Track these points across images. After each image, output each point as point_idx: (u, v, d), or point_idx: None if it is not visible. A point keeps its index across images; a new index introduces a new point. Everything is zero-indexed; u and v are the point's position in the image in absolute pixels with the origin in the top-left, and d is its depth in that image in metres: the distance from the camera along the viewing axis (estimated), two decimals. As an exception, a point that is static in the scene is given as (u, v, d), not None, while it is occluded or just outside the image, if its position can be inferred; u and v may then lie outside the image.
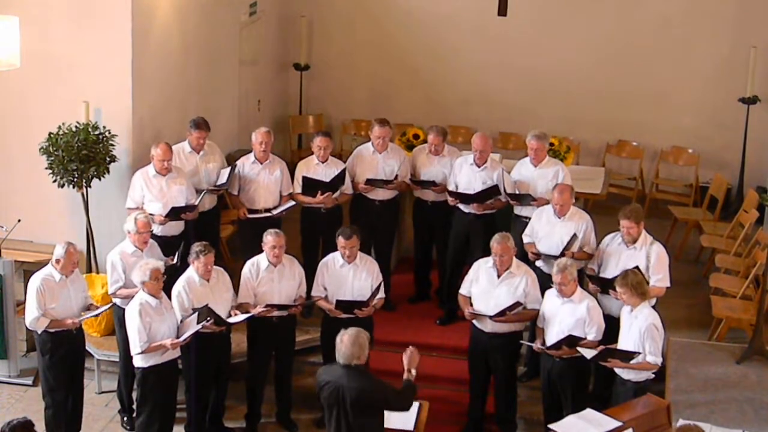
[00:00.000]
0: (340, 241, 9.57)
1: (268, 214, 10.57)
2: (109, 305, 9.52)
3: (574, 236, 9.79)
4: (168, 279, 9.19)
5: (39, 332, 9.15)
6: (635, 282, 8.76)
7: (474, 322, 9.53)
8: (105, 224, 10.72)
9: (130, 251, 9.51)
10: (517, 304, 9.27)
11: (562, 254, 9.67)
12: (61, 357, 9.22)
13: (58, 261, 9.10)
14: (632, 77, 13.95)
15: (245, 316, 9.36)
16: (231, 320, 9.31)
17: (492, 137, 11.17)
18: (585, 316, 9.00)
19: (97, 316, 9.60)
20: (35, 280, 9.14)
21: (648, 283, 9.13)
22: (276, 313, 9.51)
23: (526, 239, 10.10)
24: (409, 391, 7.96)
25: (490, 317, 9.30)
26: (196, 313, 9.02)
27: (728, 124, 13.73)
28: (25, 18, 9.52)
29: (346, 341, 7.79)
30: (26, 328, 10.73)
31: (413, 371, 8.05)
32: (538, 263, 9.99)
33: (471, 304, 9.48)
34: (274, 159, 10.79)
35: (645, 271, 9.33)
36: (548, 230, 9.94)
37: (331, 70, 14.85)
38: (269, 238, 9.48)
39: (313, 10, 14.68)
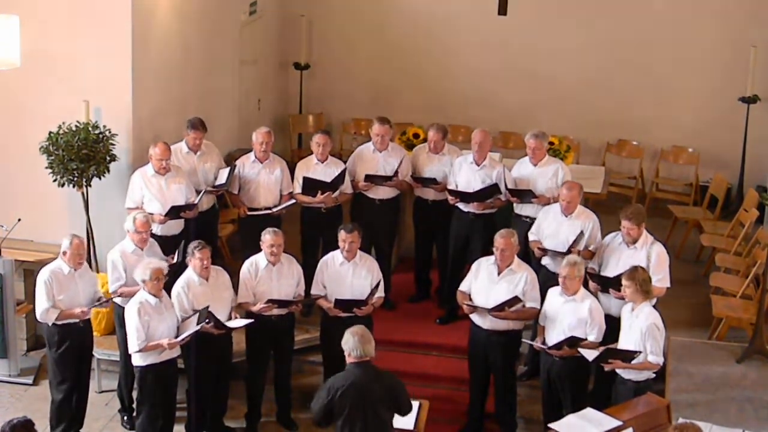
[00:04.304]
0: (341, 234, 9.58)
1: (268, 212, 10.59)
2: (113, 298, 9.53)
3: (581, 234, 9.79)
4: (169, 278, 9.20)
5: (49, 324, 9.18)
6: (642, 279, 8.75)
7: (473, 318, 9.53)
8: (105, 223, 10.72)
9: (130, 250, 9.52)
10: (516, 299, 9.27)
11: (569, 252, 9.69)
12: (68, 350, 9.27)
13: (64, 253, 9.18)
14: (632, 76, 13.96)
15: (245, 321, 9.37)
16: (230, 324, 9.31)
17: (492, 137, 11.17)
18: (587, 317, 8.99)
19: (105, 306, 9.62)
20: (44, 273, 9.20)
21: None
22: (276, 311, 9.51)
23: (531, 237, 10.08)
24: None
25: (488, 311, 9.30)
26: (197, 314, 9.03)
27: (728, 124, 13.73)
28: (25, 17, 9.52)
29: (356, 339, 7.77)
30: (26, 327, 10.81)
31: None
32: (545, 260, 9.98)
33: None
34: (275, 158, 10.80)
35: (645, 270, 9.34)
36: (555, 228, 9.94)
37: (331, 70, 14.85)
38: (267, 237, 9.48)
39: (312, 10, 14.68)
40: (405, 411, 7.98)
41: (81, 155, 10.25)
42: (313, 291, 9.72)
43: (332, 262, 9.70)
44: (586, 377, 9.25)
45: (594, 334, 9.01)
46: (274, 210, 10.61)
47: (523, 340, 9.54)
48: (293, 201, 10.70)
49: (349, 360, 7.82)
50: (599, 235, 9.91)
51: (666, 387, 9.48)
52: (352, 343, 7.79)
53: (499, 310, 9.28)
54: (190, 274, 9.28)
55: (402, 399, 7.90)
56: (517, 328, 9.51)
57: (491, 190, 10.54)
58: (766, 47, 13.47)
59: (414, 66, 14.48)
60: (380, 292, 9.68)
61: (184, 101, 11.62)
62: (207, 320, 9.01)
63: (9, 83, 10.59)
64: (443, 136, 10.94)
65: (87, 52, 10.61)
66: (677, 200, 13.53)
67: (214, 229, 11.12)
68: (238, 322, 9.37)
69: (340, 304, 9.52)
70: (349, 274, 9.64)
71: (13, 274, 10.27)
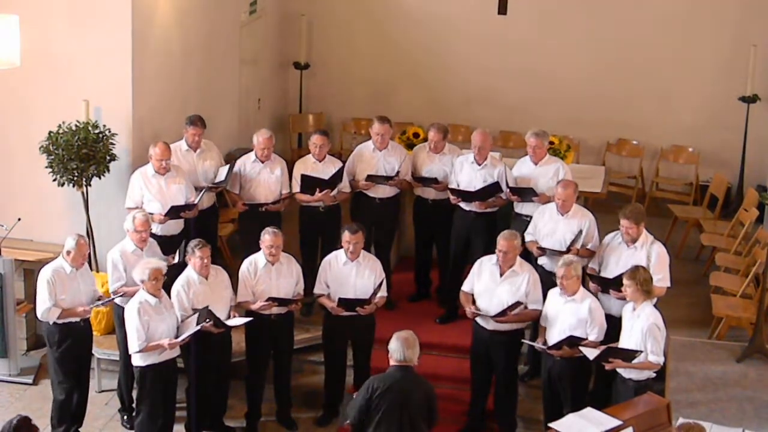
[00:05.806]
0: (346, 235, 9.57)
1: (265, 203, 10.57)
2: (115, 297, 9.53)
3: (580, 233, 9.78)
4: (169, 277, 9.20)
5: (50, 323, 9.18)
6: (643, 279, 8.74)
7: (476, 318, 9.53)
8: (105, 223, 10.72)
9: (130, 249, 9.52)
10: (518, 304, 9.28)
11: (568, 250, 9.69)
12: (69, 349, 9.27)
13: (69, 253, 9.16)
14: (632, 76, 13.96)
15: (244, 319, 9.38)
16: (230, 323, 9.31)
17: (492, 136, 11.18)
18: (587, 317, 8.99)
19: (106, 305, 9.62)
20: (46, 272, 9.18)
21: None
22: (276, 309, 9.51)
23: (528, 237, 10.08)
24: None
25: (492, 317, 9.30)
26: (197, 314, 9.04)
27: (728, 123, 13.74)
28: (25, 17, 9.52)
29: (400, 343, 7.85)
30: (26, 326, 10.81)
31: None
32: (542, 260, 9.97)
33: (473, 302, 9.49)
34: (275, 158, 10.80)
35: (645, 270, 9.33)
36: (551, 227, 9.93)
37: (331, 69, 14.85)
38: (267, 237, 9.48)
39: (312, 9, 14.68)
40: (434, 422, 8.08)
41: (81, 155, 10.25)
42: (316, 290, 9.73)
43: (335, 261, 9.70)
44: (588, 377, 9.25)
45: (595, 334, 9.00)
46: (272, 205, 10.60)
47: (523, 340, 9.54)
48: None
49: (391, 362, 7.93)
50: (596, 234, 9.91)
51: (666, 386, 9.48)
52: (395, 346, 7.90)
53: (501, 316, 9.29)
54: (189, 273, 9.29)
55: (435, 410, 8.01)
56: (520, 327, 9.52)
57: (493, 188, 10.54)
58: (766, 47, 13.48)
59: (414, 65, 14.49)
60: (383, 292, 9.69)
61: (184, 101, 11.62)
62: (207, 319, 9.02)
63: (9, 83, 10.59)
64: (444, 136, 10.94)
65: (87, 52, 10.61)
66: (677, 200, 13.53)
67: (214, 228, 11.12)
68: (238, 321, 9.37)
69: (344, 303, 9.53)
70: (353, 273, 9.64)
71: (13, 273, 10.28)
